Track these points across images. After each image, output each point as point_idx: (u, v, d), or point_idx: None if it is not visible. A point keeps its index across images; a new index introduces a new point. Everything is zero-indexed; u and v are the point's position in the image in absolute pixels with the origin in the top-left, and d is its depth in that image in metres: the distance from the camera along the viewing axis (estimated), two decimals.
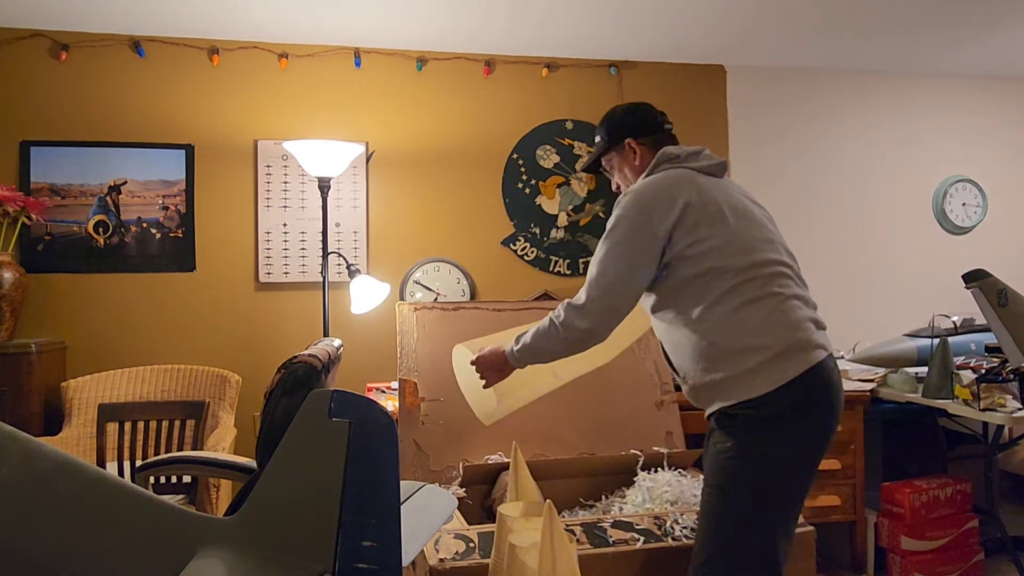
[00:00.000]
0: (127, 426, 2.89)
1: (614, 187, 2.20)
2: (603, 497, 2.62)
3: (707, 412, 1.90)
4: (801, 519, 2.18)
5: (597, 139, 2.19)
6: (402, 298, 3.90)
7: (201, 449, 2.97)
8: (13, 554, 1.26)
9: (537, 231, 4.13)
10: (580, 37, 3.86)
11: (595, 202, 4.19)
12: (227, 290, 3.78)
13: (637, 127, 2.13)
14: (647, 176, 1.99)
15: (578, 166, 2.07)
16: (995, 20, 3.71)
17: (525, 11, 3.49)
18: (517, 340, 1.99)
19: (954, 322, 3.55)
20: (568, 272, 4.14)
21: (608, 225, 1.92)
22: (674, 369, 1.96)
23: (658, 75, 4.27)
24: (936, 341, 3.24)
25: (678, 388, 2.08)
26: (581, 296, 1.89)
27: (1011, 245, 4.66)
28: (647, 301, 1.97)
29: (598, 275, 1.87)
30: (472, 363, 2.09)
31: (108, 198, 3.65)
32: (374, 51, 3.94)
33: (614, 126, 2.15)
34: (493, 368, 2.07)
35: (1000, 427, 3.13)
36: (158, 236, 3.71)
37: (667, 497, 2.42)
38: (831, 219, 4.44)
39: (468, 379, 2.21)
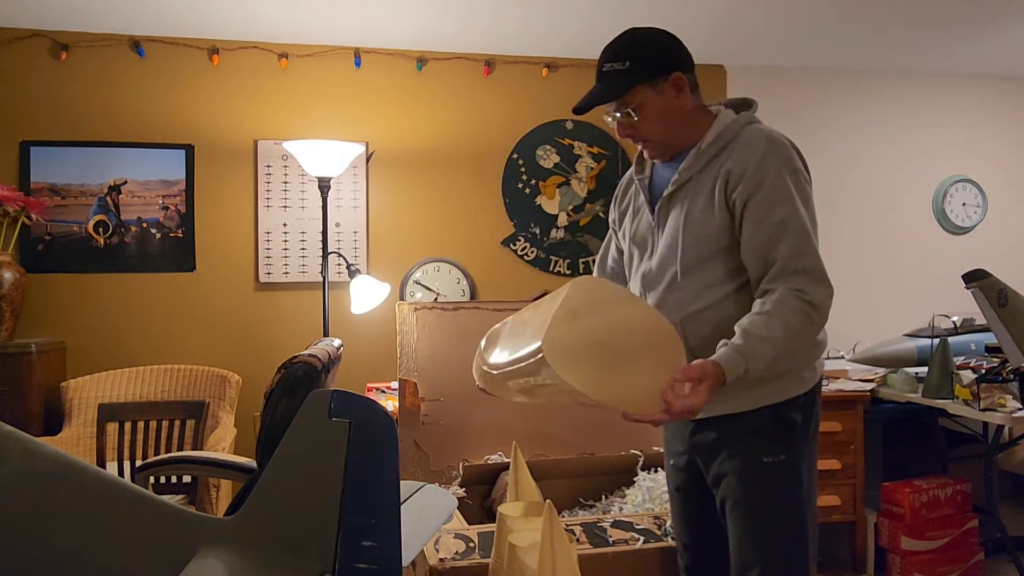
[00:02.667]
0: (127, 426, 2.89)
1: (623, 133, 1.69)
2: (603, 497, 2.63)
3: (722, 413, 1.60)
4: None
5: (615, 66, 1.66)
6: (402, 298, 3.90)
7: (201, 449, 2.97)
8: (13, 554, 1.25)
9: (537, 231, 4.13)
10: (580, 37, 3.86)
11: (595, 202, 4.19)
12: (227, 290, 3.77)
13: (684, 59, 1.65)
14: (760, 124, 1.67)
15: (576, 106, 1.71)
16: (995, 20, 3.70)
17: (525, 11, 3.49)
18: (745, 355, 1.45)
19: (954, 322, 3.54)
20: (568, 272, 4.14)
21: (784, 180, 1.56)
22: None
23: None
24: (936, 341, 3.24)
25: None
26: (811, 272, 1.52)
27: (1011, 245, 4.65)
28: (721, 270, 1.61)
29: (812, 239, 1.56)
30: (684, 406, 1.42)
31: (108, 198, 3.65)
32: (374, 51, 3.93)
33: (658, 53, 1.62)
34: (704, 396, 1.42)
35: (1000, 427, 3.13)
36: (158, 236, 3.71)
37: (667, 497, 2.42)
38: (831, 219, 4.41)
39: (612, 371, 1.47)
